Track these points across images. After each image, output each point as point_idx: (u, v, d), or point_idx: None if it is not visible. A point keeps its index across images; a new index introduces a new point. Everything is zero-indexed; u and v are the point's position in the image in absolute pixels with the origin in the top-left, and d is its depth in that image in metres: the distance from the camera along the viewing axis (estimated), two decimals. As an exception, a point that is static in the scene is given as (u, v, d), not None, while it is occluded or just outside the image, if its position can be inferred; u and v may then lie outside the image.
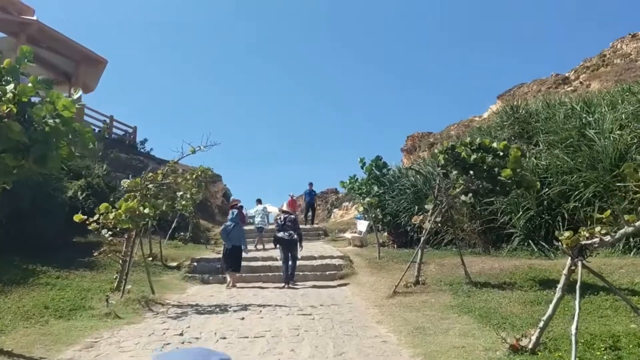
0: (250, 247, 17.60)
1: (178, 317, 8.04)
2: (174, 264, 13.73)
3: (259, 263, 13.47)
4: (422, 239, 10.23)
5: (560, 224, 12.34)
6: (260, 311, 8.48)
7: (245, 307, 8.88)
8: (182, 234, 18.24)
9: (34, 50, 25.33)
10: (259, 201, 20.51)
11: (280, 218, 12.72)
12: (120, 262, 9.33)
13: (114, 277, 9.63)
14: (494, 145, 9.38)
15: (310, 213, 24.79)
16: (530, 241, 12.90)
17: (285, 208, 13.87)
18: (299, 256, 12.56)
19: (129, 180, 9.21)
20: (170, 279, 12.45)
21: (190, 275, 12.68)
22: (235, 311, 8.56)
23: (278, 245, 12.39)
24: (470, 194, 9.59)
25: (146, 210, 8.63)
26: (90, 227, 8.77)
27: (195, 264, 13.52)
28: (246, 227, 21.33)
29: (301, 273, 12.65)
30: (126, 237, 9.33)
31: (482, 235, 14.08)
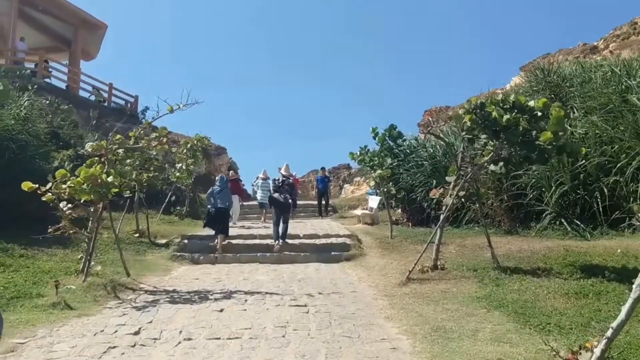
0: (255, 224, 16.24)
1: (144, 308, 6.61)
2: (163, 241, 12.33)
3: (257, 241, 12.03)
4: (441, 216, 8.69)
5: (599, 200, 10.81)
6: (246, 300, 7.03)
7: (229, 295, 7.44)
8: (178, 208, 16.84)
9: (30, 12, 23.88)
10: (264, 174, 18.60)
11: (278, 180, 12.70)
12: (86, 240, 7.90)
13: (79, 257, 8.23)
14: (531, 104, 7.76)
15: (323, 202, 20.19)
16: (562, 219, 11.36)
17: (283, 171, 13.01)
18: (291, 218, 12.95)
19: (92, 143, 7.73)
20: (156, 258, 11.05)
21: (178, 254, 11.26)
22: (216, 299, 7.12)
23: (272, 206, 12.75)
24: (502, 163, 8.01)
25: (110, 179, 7.17)
26: (44, 199, 7.33)
27: (185, 241, 12.11)
28: (247, 203, 19.88)
29: (303, 254, 11.24)
30: (92, 210, 7.88)
31: (508, 213, 12.52)
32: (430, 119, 14.25)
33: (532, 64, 35.76)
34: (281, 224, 12.02)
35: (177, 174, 15.57)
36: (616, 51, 29.82)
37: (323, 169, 21.83)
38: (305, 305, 6.70)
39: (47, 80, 23.96)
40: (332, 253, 11.18)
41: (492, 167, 8.14)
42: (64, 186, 7.00)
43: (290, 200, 12.32)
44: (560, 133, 7.42)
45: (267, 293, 7.55)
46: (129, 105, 26.59)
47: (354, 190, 26.69)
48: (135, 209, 12.55)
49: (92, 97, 25.40)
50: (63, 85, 24.91)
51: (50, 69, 24.88)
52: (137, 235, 12.27)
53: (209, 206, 12.59)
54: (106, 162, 7.68)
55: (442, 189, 8.83)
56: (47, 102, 19.14)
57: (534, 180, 11.89)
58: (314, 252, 11.34)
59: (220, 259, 11.04)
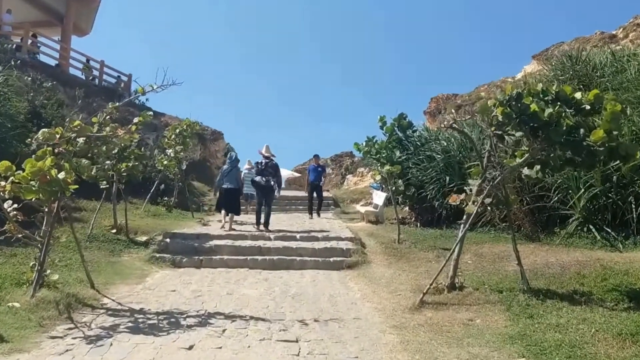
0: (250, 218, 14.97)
1: (96, 340, 5.30)
2: (143, 238, 11.01)
3: (248, 243, 10.70)
4: (462, 227, 7.34)
5: (633, 205, 9.57)
6: (224, 331, 5.71)
7: (205, 320, 6.13)
8: (165, 198, 15.52)
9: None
10: (249, 164, 15.77)
11: (261, 163, 12.29)
12: (38, 245, 6.58)
13: (31, 265, 6.92)
14: (577, 95, 6.40)
15: (315, 197, 16.64)
16: (591, 226, 10.07)
17: (264, 152, 12.39)
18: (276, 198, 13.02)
19: (46, 130, 6.39)
20: (133, 259, 9.74)
21: (158, 255, 9.94)
22: (188, 327, 5.81)
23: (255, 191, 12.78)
24: (538, 167, 6.66)
25: (61, 175, 5.84)
26: (-18, 197, 6.01)
27: (167, 240, 10.75)
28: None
29: (299, 258, 9.93)
30: (46, 210, 6.56)
31: (529, 216, 11.20)
32: (454, 111, 12.84)
33: (546, 53, 34.35)
34: (264, 208, 12.20)
35: (164, 161, 14.23)
36: (637, 40, 28.27)
37: (316, 156, 18.25)
38: (297, 341, 5.39)
39: (35, 55, 22.60)
40: (332, 259, 9.87)
41: (526, 170, 6.78)
42: (2, 183, 5.66)
43: (272, 183, 12.07)
44: (615, 132, 6.08)
45: (251, 318, 6.24)
46: (121, 84, 25.21)
47: (357, 182, 25.34)
48: (113, 202, 11.22)
49: (83, 75, 24.02)
50: (52, 62, 23.60)
51: (38, 44, 23.50)
52: (114, 231, 10.97)
53: (223, 186, 12.60)
54: (63, 154, 6.34)
55: (463, 194, 7.47)
56: (29, 79, 17.78)
57: (559, 180, 10.59)
58: (312, 257, 10.04)
59: (205, 262, 9.75)
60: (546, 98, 6.36)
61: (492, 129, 6.91)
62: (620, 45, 29.99)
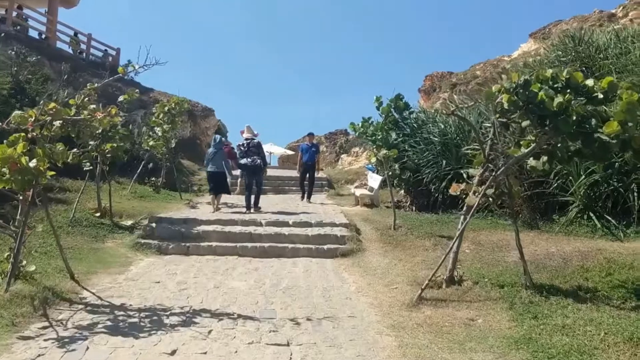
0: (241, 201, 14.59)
1: (71, 342, 4.90)
2: (129, 222, 10.60)
3: (238, 228, 10.30)
4: (462, 219, 6.97)
5: (636, 193, 9.34)
6: (210, 331, 5.33)
7: (190, 318, 5.75)
8: (153, 179, 15.06)
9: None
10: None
11: (243, 144, 12.23)
12: (14, 235, 6.17)
13: (6, 255, 6.50)
14: (589, 83, 5.99)
15: (307, 179, 15.67)
16: (591, 213, 9.79)
17: (246, 133, 12.42)
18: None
19: (18, 114, 5.92)
20: (117, 245, 9.36)
21: (143, 241, 9.56)
22: (171, 327, 5.43)
23: (243, 173, 13.13)
24: (545, 158, 6.27)
25: (32, 163, 5.40)
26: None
27: (153, 225, 10.33)
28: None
29: (291, 246, 9.57)
30: (21, 198, 6.13)
31: (527, 202, 10.89)
32: (456, 96, 12.43)
33: (543, 31, 33.92)
34: (254, 188, 12.27)
35: (151, 142, 13.73)
36: (637, 19, 27.84)
37: (311, 135, 16.65)
38: (288, 344, 5.03)
39: (22, 29, 21.91)
40: (326, 247, 9.51)
41: (532, 162, 6.39)
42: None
43: (258, 161, 12.10)
44: (630, 124, 5.68)
45: (239, 316, 5.87)
46: (109, 58, 24.52)
47: (352, 162, 24.91)
48: (97, 185, 10.77)
49: (70, 49, 23.35)
50: (39, 35, 22.90)
51: (24, 17, 22.80)
52: (98, 215, 10.54)
53: (208, 169, 12.52)
54: (38, 139, 5.90)
55: (464, 183, 7.09)
56: (13, 52, 17.17)
57: (559, 166, 10.27)
58: (305, 244, 9.67)
59: (193, 250, 9.38)
60: (555, 85, 5.95)
61: (497, 116, 6.51)
62: (619, 24, 29.51)
